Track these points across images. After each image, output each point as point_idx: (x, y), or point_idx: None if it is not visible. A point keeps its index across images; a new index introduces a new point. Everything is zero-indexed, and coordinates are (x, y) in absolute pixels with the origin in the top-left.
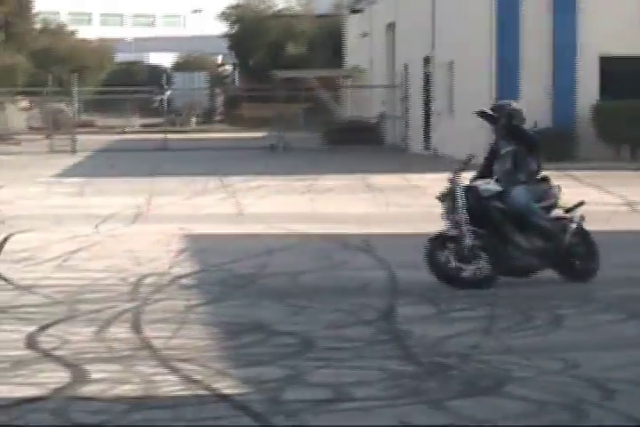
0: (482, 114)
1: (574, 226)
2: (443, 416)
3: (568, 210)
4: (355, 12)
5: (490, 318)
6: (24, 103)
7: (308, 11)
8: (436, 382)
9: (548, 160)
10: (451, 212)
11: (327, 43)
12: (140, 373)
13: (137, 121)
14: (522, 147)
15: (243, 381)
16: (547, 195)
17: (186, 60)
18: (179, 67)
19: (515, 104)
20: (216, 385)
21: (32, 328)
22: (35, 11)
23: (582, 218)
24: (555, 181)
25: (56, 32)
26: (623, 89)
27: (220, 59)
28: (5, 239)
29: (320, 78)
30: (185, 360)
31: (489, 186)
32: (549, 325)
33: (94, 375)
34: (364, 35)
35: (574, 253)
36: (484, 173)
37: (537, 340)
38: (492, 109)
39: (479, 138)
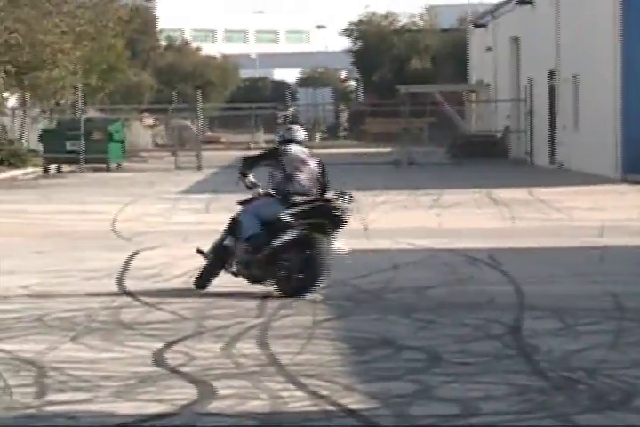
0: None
1: (286, 238)
2: None
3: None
4: (478, 26)
5: (616, 332)
6: (149, 120)
7: (432, 25)
8: (564, 397)
9: None
10: None
11: (451, 57)
12: (268, 388)
13: (262, 137)
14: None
15: (370, 396)
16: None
17: (310, 75)
18: (303, 82)
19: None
20: (343, 401)
21: (159, 345)
22: (159, 28)
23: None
24: None
25: (180, 49)
26: None
27: (343, 74)
28: (132, 256)
29: (444, 93)
30: (312, 376)
31: None
32: None
33: (221, 391)
34: (489, 49)
35: (282, 266)
36: None
37: None
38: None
39: (605, 151)
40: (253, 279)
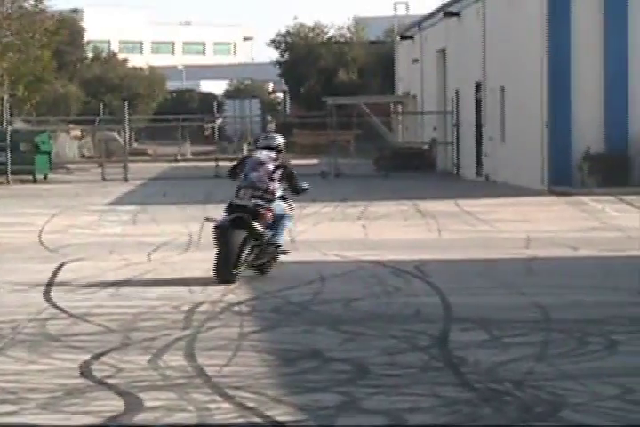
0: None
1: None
2: None
3: None
4: (405, 38)
5: (543, 343)
6: (76, 132)
7: (360, 37)
8: (491, 409)
9: (600, 184)
10: None
11: (378, 69)
12: (194, 400)
13: (189, 149)
14: None
15: (297, 408)
16: None
17: (237, 87)
18: (230, 94)
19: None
20: (270, 412)
21: (86, 357)
22: (86, 39)
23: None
24: (607, 206)
25: (107, 60)
26: None
27: (271, 86)
28: (59, 268)
29: (371, 105)
30: (239, 388)
31: None
32: (604, 350)
33: (148, 403)
34: (415, 61)
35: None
36: None
37: (591, 365)
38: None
39: (531, 163)
40: None
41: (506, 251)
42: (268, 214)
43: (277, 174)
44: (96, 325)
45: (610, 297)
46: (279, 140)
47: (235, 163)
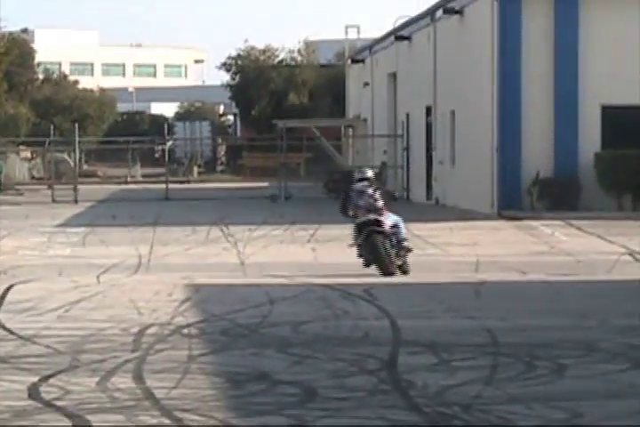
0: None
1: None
2: None
3: None
4: (356, 61)
5: (492, 367)
6: (26, 153)
7: (310, 60)
8: None
9: (549, 209)
10: None
11: (329, 92)
12: (143, 423)
13: (139, 171)
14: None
15: None
16: None
17: (187, 109)
18: (180, 116)
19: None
20: None
21: (34, 379)
22: (37, 61)
23: None
24: (557, 230)
25: (58, 82)
26: (624, 139)
27: (221, 108)
28: (7, 289)
29: (322, 128)
30: (188, 410)
31: None
32: (552, 374)
33: (97, 425)
34: (366, 84)
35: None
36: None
37: (540, 389)
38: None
39: (481, 187)
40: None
41: (455, 275)
42: (386, 221)
43: (377, 195)
44: (44, 346)
45: (558, 321)
46: (369, 172)
47: (341, 201)
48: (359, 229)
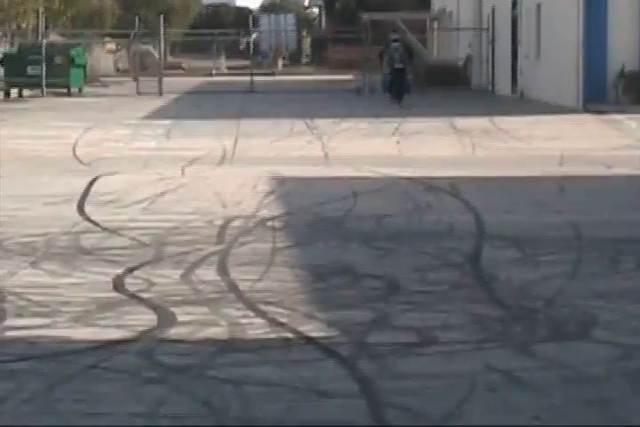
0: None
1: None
2: (529, 361)
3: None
4: None
5: (576, 262)
6: (111, 46)
7: None
8: (522, 327)
9: (635, 103)
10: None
11: None
12: (227, 315)
13: (223, 63)
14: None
15: (328, 324)
16: None
17: (272, 2)
18: (265, 9)
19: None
20: (302, 328)
21: (119, 271)
22: None
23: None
24: None
25: None
26: None
27: (306, 1)
28: (92, 182)
29: (407, 21)
30: (271, 303)
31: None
32: (636, 269)
33: (181, 318)
34: None
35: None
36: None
37: (624, 284)
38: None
39: (566, 80)
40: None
41: (540, 168)
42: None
43: (403, 51)
44: (129, 239)
45: None
46: (397, 35)
47: (380, 52)
48: (391, 68)
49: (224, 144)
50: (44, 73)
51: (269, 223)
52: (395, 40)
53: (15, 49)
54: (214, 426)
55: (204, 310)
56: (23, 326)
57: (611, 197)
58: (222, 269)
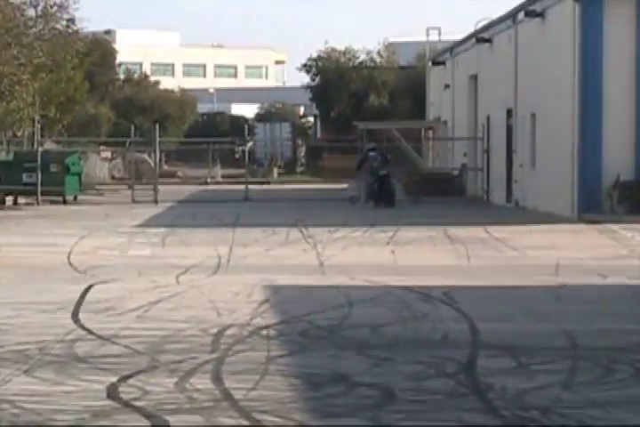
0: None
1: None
2: None
3: None
4: (437, 64)
5: (571, 371)
6: (107, 153)
7: (390, 62)
8: None
9: (630, 213)
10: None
11: (409, 94)
12: (221, 424)
13: (219, 172)
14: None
15: None
16: None
17: (268, 110)
18: (261, 118)
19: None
20: None
21: (113, 379)
22: (118, 61)
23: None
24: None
25: (139, 82)
26: None
27: (301, 110)
28: (87, 289)
29: (402, 130)
30: (266, 412)
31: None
32: (631, 378)
33: (175, 426)
34: (447, 86)
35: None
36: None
37: (618, 393)
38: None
39: (561, 189)
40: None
41: (535, 278)
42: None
43: (381, 159)
44: (123, 347)
45: (637, 325)
46: (375, 144)
47: (360, 160)
48: (378, 176)
49: (219, 252)
50: (39, 181)
51: (264, 332)
52: (372, 149)
53: (11, 157)
54: None
55: (198, 418)
56: None
57: (605, 306)
58: (217, 378)
